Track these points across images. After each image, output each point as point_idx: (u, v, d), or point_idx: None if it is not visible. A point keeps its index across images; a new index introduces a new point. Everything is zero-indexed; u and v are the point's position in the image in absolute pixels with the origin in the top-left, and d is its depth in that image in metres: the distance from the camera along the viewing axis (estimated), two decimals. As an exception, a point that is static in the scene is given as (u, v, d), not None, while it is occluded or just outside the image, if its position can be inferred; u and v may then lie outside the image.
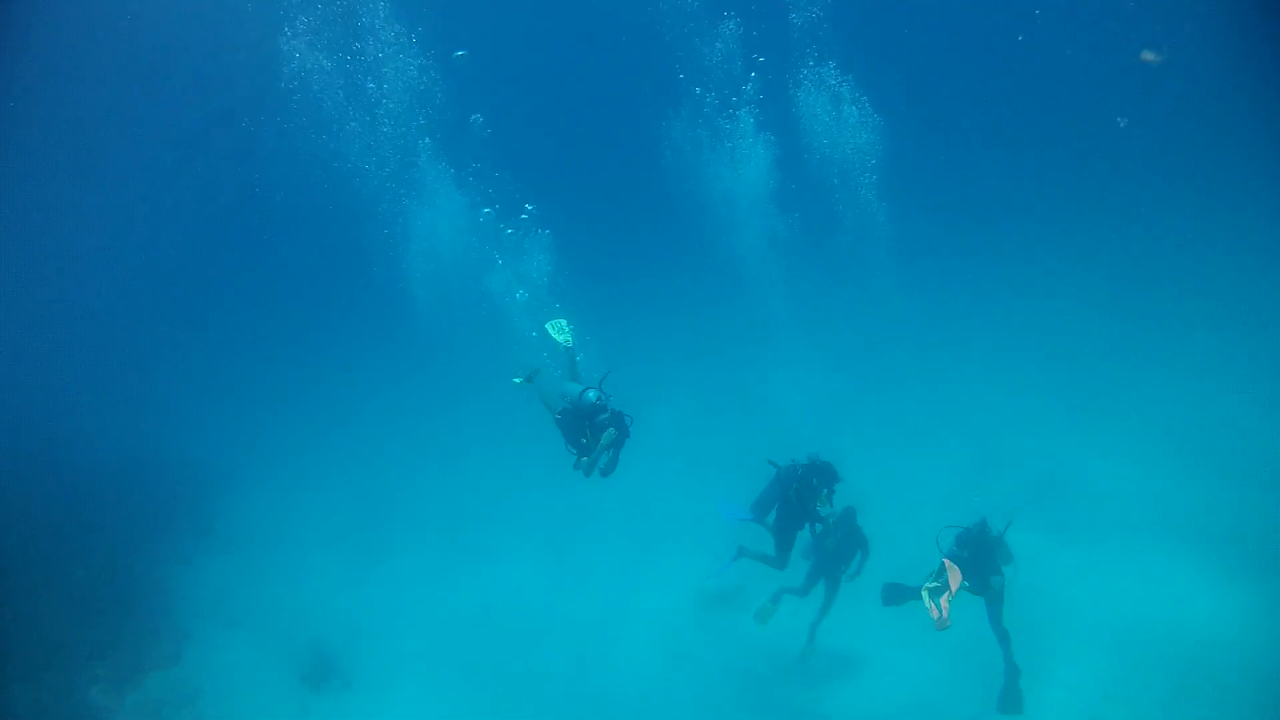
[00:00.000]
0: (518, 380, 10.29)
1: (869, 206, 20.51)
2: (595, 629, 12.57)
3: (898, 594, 8.72)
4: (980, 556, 8.26)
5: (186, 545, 14.93)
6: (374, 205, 18.62)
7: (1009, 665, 8.78)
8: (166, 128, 26.33)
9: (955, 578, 8.01)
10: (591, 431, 9.16)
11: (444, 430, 21.32)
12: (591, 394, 9.17)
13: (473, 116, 19.00)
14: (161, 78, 24.60)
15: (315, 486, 18.09)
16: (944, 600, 7.96)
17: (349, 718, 11.37)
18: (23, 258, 26.43)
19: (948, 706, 10.00)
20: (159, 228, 29.02)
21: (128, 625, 12.36)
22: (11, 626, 11.59)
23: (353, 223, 20.94)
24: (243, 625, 12.99)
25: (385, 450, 20.16)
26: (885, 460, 16.27)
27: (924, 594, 8.10)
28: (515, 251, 16.09)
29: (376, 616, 13.29)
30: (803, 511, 9.39)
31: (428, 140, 17.60)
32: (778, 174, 19.23)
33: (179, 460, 18.01)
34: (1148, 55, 24.25)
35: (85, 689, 11.27)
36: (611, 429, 9.13)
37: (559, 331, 10.58)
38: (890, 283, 23.71)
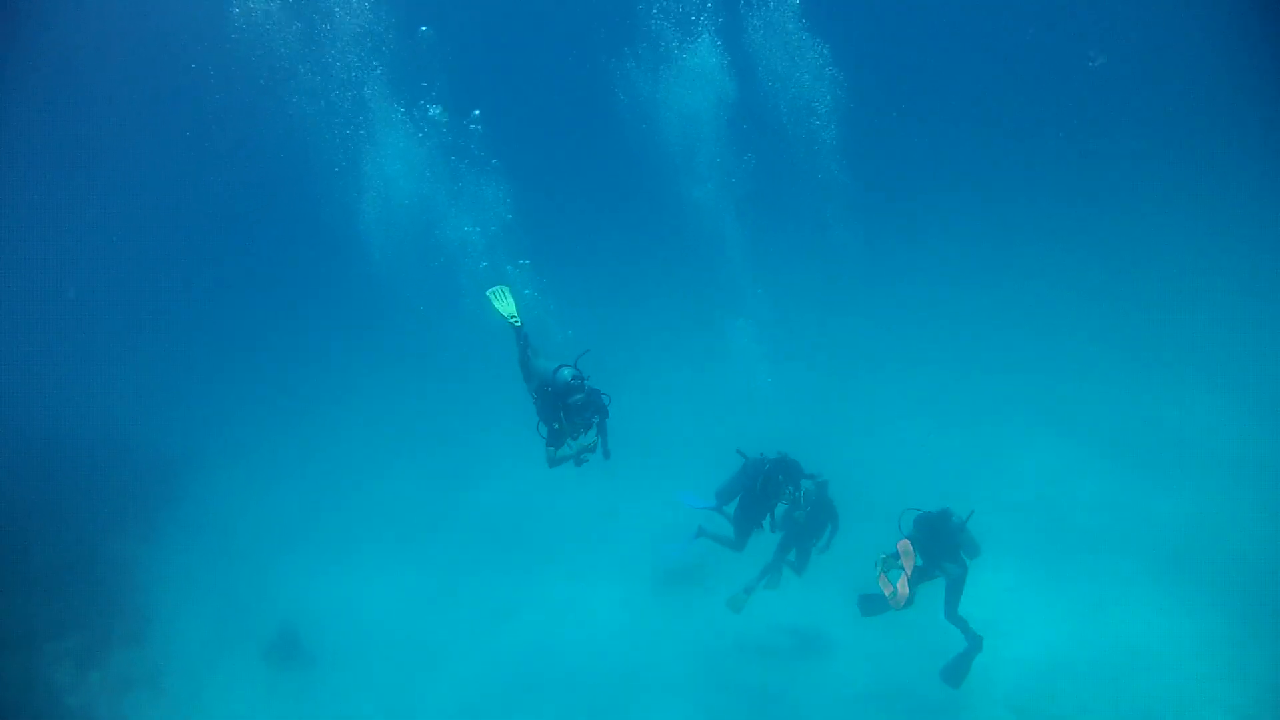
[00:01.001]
0: (515, 320, 9.51)
1: (826, 157, 20.31)
2: (558, 611, 12.67)
3: (874, 604, 8.82)
4: (938, 541, 8.30)
5: (151, 525, 14.93)
6: (331, 159, 18.32)
7: (971, 641, 8.88)
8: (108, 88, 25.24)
9: (909, 559, 8.13)
10: (566, 416, 8.43)
11: (413, 414, 21.23)
12: (566, 372, 8.38)
13: (422, 28, 18.45)
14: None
15: (283, 470, 18.10)
16: (902, 580, 8.08)
17: (313, 695, 11.44)
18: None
19: (913, 689, 10.09)
20: (118, 200, 28.26)
21: (91, 604, 12.40)
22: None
23: (314, 183, 20.38)
24: (206, 604, 13.08)
25: (352, 433, 20.14)
26: (854, 435, 16.52)
27: (877, 568, 8.22)
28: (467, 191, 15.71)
29: (341, 599, 13.34)
30: (765, 505, 9.36)
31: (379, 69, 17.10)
32: (735, 113, 18.89)
33: (145, 440, 17.93)
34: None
35: (48, 669, 11.30)
36: (593, 424, 8.59)
37: (502, 303, 9.67)
38: (852, 244, 23.73)
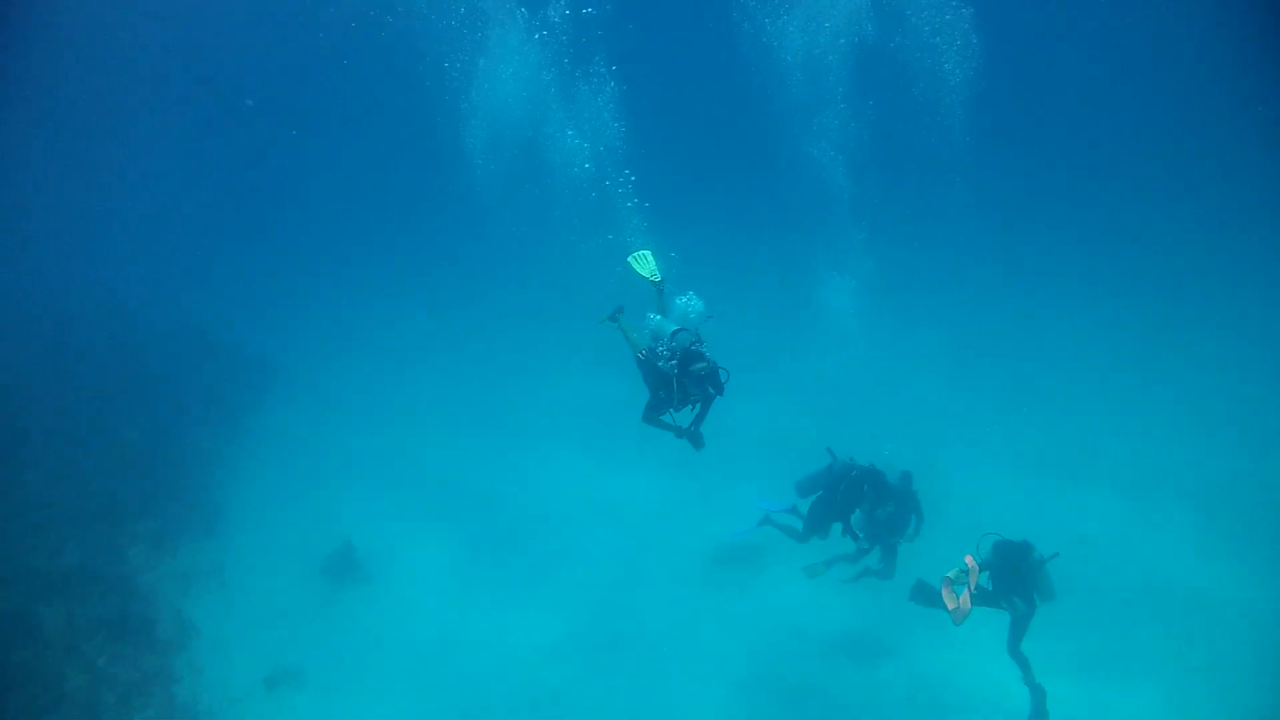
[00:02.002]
0: (604, 320, 9.15)
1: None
2: (611, 575, 12.69)
3: (927, 594, 8.62)
4: (1012, 572, 8.05)
5: (236, 425, 15.50)
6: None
7: (1032, 689, 8.51)
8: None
9: (973, 575, 7.89)
10: (680, 385, 7.77)
11: (499, 340, 21.58)
12: (685, 336, 7.87)
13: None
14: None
15: (366, 395, 18.47)
16: (965, 595, 7.86)
17: (364, 611, 11.79)
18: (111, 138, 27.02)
19: (955, 705, 9.89)
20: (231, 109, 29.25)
21: (170, 492, 12.96)
22: (66, 477, 12.24)
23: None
24: (275, 510, 13.56)
25: (440, 372, 20.26)
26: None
27: (943, 583, 8.01)
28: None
29: (405, 521, 13.72)
30: (841, 511, 9.16)
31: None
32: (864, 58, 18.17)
33: (242, 344, 18.56)
34: None
35: (126, 546, 11.88)
36: (709, 389, 7.85)
37: (643, 265, 9.18)
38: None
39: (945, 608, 8.16)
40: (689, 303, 8.56)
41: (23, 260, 20.75)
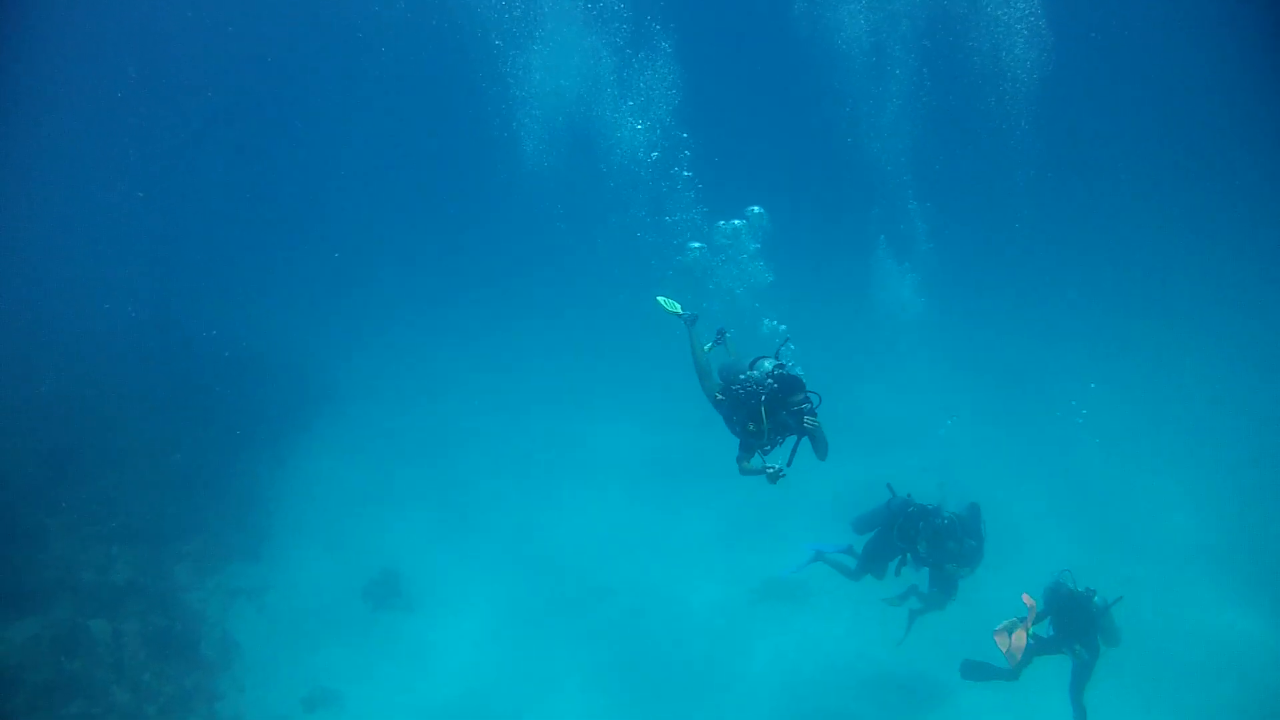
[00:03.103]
0: (681, 314, 8.42)
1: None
2: (656, 600, 12.59)
3: (979, 671, 8.50)
4: (1074, 618, 7.89)
5: (282, 450, 15.64)
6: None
7: None
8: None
9: (1031, 615, 7.83)
10: (770, 417, 6.99)
11: (551, 370, 21.60)
12: (768, 363, 7.23)
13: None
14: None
15: (412, 420, 18.53)
16: (1019, 632, 7.71)
17: (403, 638, 11.74)
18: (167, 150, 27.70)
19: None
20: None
21: (217, 514, 13.10)
22: (116, 497, 12.43)
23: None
24: (319, 534, 13.62)
25: (488, 395, 20.32)
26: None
27: (996, 633, 7.87)
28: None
29: (449, 549, 13.71)
30: (897, 549, 8.95)
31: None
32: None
33: (291, 368, 18.73)
34: None
35: (172, 565, 11.99)
36: (811, 418, 6.98)
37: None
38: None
39: (1000, 677, 8.10)
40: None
41: (75, 278, 21.21)
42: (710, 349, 8.29)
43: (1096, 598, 7.88)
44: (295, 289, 26.41)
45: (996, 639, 7.90)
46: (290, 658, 11.05)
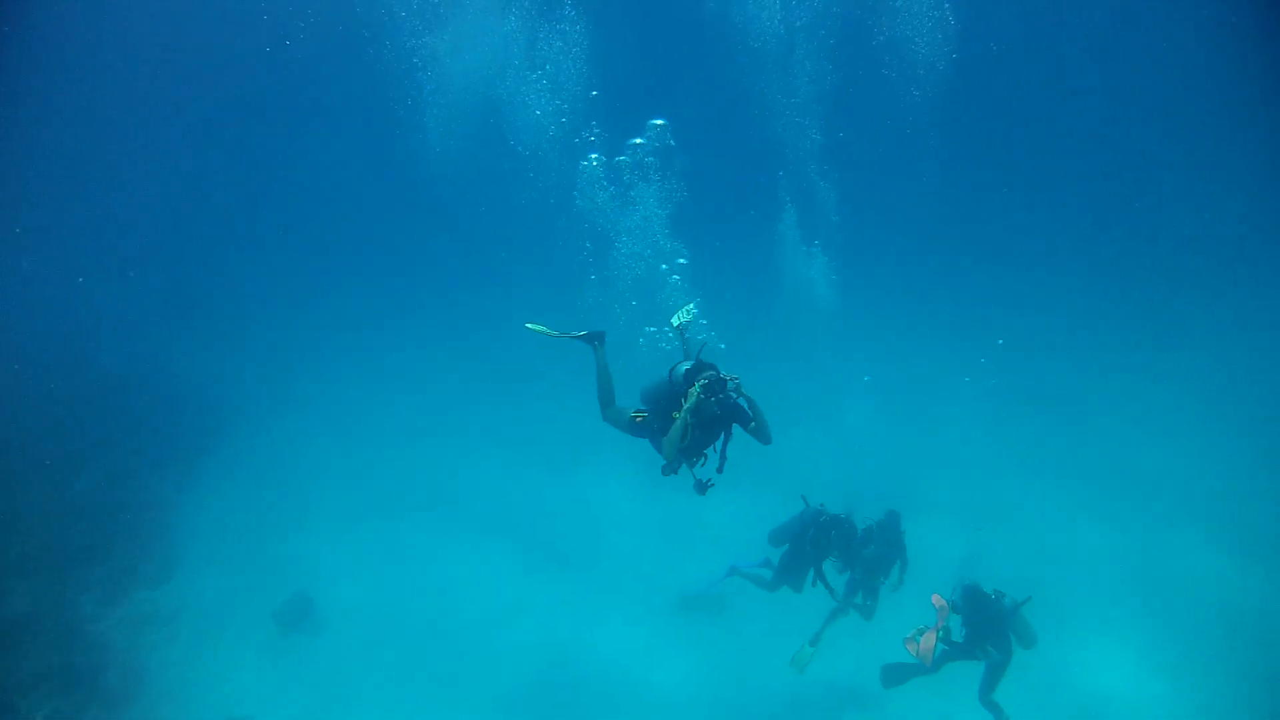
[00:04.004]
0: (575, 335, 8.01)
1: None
2: (570, 615, 12.71)
3: (898, 674, 8.75)
4: (985, 621, 8.13)
5: (189, 472, 15.29)
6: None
7: None
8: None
9: (942, 615, 8.00)
10: (698, 426, 6.91)
11: (459, 393, 21.41)
12: (684, 366, 7.13)
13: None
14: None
15: (320, 435, 18.31)
16: (928, 636, 7.93)
17: (316, 660, 11.64)
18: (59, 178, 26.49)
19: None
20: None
21: (122, 540, 12.78)
22: (12, 526, 12.06)
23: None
24: (229, 556, 13.38)
25: (396, 404, 20.38)
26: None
27: (907, 641, 8.07)
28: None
29: (359, 573, 13.55)
30: (810, 560, 9.14)
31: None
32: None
33: (195, 389, 18.29)
34: None
35: (76, 595, 11.71)
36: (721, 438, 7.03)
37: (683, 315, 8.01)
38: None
39: (919, 674, 8.39)
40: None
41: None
42: (577, 337, 8.00)
43: (1006, 599, 8.13)
44: (200, 308, 25.50)
45: (908, 647, 8.06)
46: (201, 685, 10.86)
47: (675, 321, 7.92)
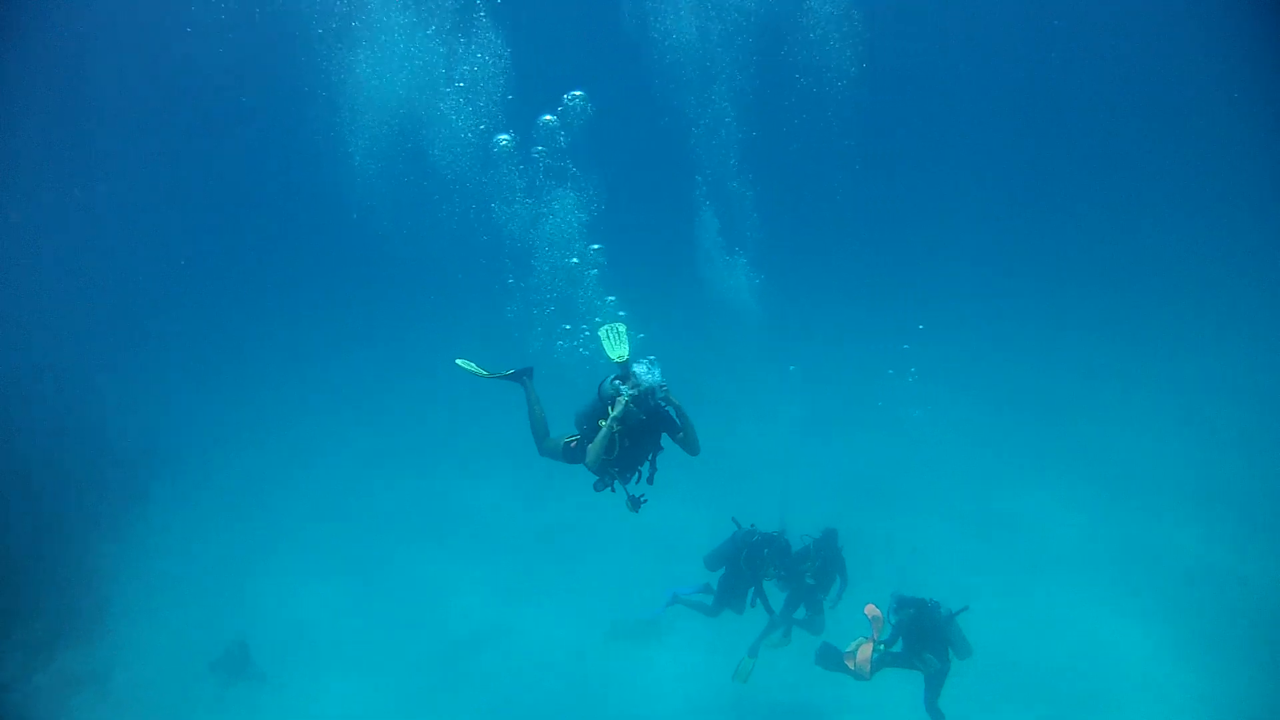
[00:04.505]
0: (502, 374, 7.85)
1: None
2: (515, 644, 12.59)
3: (833, 660, 8.57)
4: (922, 631, 8.11)
5: (117, 524, 14.77)
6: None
7: None
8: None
9: (876, 625, 8.03)
10: (630, 439, 6.86)
11: (390, 428, 21.14)
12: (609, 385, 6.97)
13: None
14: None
15: (253, 481, 17.92)
16: (866, 645, 7.96)
17: (258, 712, 11.29)
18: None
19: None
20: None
21: (48, 599, 12.27)
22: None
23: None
24: (162, 610, 13.04)
25: (328, 445, 19.99)
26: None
27: (851, 648, 8.09)
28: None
29: (297, 617, 13.28)
30: (748, 580, 9.19)
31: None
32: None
33: (121, 439, 17.50)
34: None
35: (-3, 658, 11.18)
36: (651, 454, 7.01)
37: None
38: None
39: (849, 670, 8.19)
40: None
41: None
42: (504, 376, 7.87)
43: (942, 609, 8.13)
44: (128, 352, 24.61)
45: (847, 661, 8.08)
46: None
47: (615, 357, 7.17)
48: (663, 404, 6.77)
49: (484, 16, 15.84)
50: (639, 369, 6.80)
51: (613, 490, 7.15)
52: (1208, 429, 17.38)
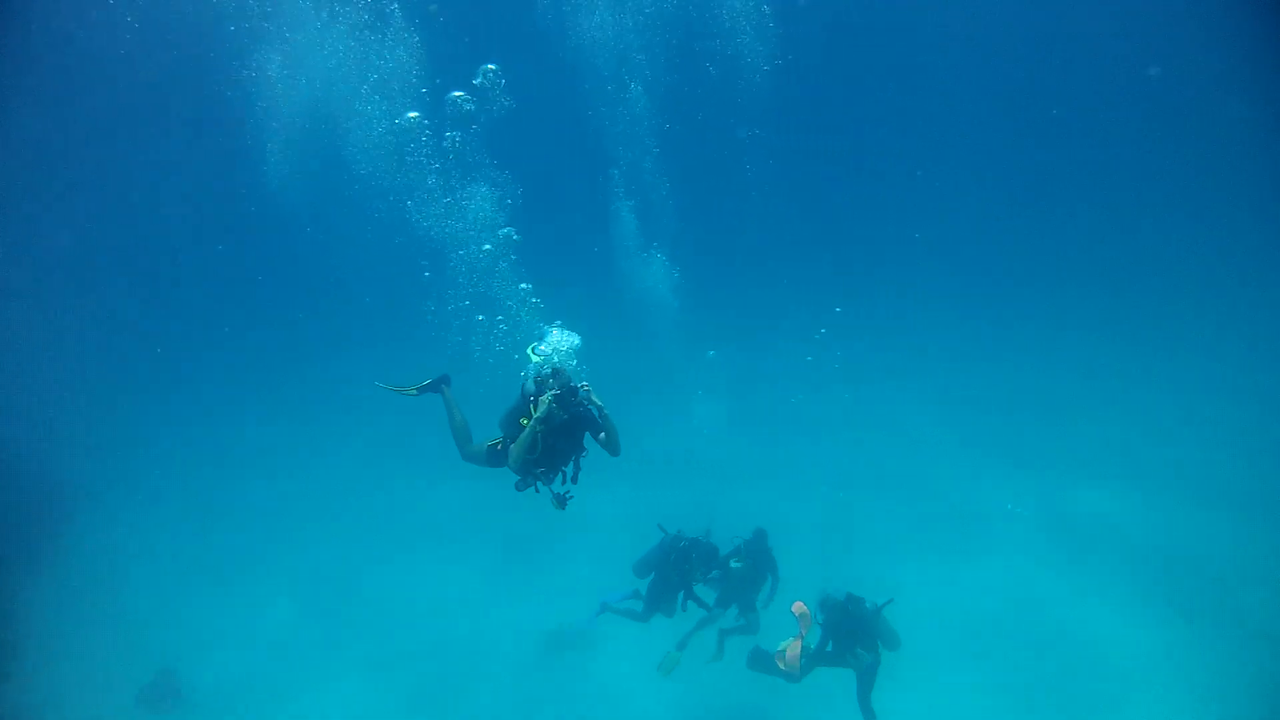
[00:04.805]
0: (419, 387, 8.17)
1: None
2: (448, 658, 12.56)
3: (764, 663, 8.79)
4: (849, 627, 8.27)
5: (34, 556, 14.38)
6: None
7: None
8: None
9: (804, 622, 8.22)
10: (552, 439, 6.97)
11: (320, 449, 20.81)
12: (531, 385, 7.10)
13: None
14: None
15: (172, 506, 17.52)
16: (792, 646, 8.14)
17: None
18: None
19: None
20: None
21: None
22: None
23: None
24: (84, 642, 12.65)
25: (245, 468, 19.60)
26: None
27: (781, 648, 8.29)
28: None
29: (223, 642, 13.04)
30: (677, 585, 9.31)
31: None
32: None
33: (35, 468, 17.06)
34: None
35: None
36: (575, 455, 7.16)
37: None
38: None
39: (780, 673, 8.41)
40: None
41: None
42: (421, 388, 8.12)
43: (867, 602, 8.34)
44: (37, 385, 23.54)
45: (777, 661, 8.28)
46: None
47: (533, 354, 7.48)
48: (585, 404, 6.91)
49: (397, 14, 15.62)
50: (550, 339, 7.08)
51: (536, 490, 7.30)
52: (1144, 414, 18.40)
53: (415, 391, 8.23)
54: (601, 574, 12.37)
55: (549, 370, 7.01)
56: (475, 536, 15.61)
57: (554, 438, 6.97)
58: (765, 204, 26.24)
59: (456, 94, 12.89)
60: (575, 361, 7.30)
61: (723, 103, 21.12)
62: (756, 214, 26.78)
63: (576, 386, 6.85)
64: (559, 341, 7.33)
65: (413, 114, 13.44)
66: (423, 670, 12.33)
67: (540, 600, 13.61)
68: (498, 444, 7.49)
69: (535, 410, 6.81)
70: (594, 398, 6.90)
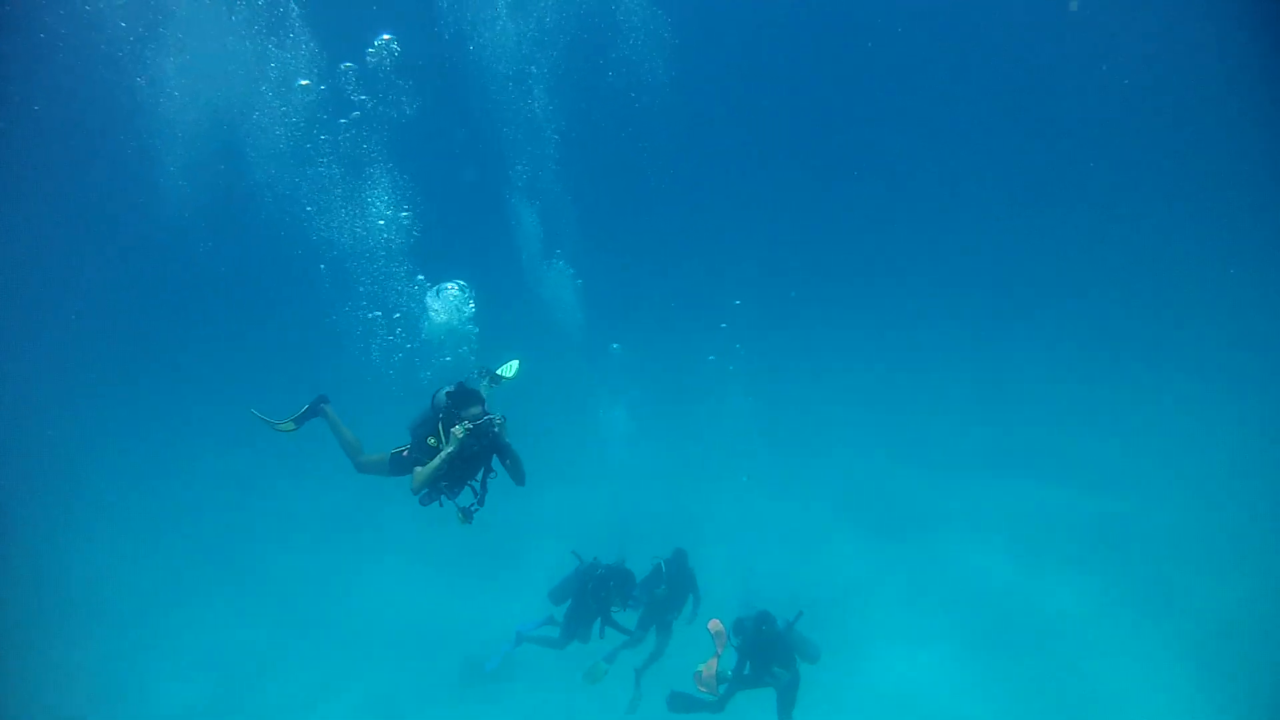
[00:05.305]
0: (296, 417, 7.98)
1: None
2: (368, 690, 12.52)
3: (686, 703, 8.91)
4: (764, 646, 8.36)
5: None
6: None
7: None
8: None
9: (720, 640, 8.40)
10: (460, 456, 6.90)
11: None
12: (446, 388, 7.05)
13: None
14: None
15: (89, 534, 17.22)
16: (709, 665, 8.29)
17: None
18: None
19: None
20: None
21: None
22: None
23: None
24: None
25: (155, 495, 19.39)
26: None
27: (700, 668, 8.42)
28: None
29: (143, 682, 12.82)
30: (595, 611, 9.53)
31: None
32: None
33: None
34: None
35: None
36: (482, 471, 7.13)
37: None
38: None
39: (706, 710, 8.55)
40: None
41: None
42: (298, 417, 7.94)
43: (779, 621, 8.47)
44: None
45: (696, 681, 8.41)
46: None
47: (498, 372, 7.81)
48: (498, 437, 6.88)
49: (295, 17, 15.14)
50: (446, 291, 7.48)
51: (440, 505, 7.22)
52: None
53: (293, 425, 7.93)
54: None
55: (472, 387, 7.01)
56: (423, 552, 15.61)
57: (463, 459, 6.95)
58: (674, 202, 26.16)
59: (346, 65, 12.71)
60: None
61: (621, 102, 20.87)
62: (662, 210, 26.66)
63: (493, 419, 6.82)
64: (507, 368, 7.65)
65: (304, 81, 13.37)
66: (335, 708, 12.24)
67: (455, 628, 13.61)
68: (404, 450, 7.39)
69: (444, 438, 6.82)
70: (505, 434, 6.89)
